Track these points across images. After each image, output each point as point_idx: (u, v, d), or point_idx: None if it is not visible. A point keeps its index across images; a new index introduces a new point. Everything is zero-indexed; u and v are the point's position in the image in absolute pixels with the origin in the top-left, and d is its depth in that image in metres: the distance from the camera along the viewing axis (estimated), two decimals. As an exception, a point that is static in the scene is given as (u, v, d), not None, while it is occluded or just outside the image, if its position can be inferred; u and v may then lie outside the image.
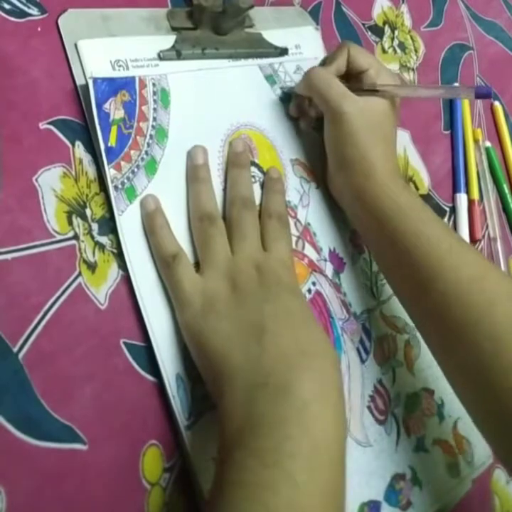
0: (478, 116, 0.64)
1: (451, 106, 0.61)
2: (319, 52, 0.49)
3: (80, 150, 0.35)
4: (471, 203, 0.58)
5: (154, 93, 0.38)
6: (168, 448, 0.32)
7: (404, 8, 0.62)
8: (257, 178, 0.41)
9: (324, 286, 0.42)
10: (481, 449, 0.46)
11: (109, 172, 0.34)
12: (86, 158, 0.35)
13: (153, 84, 0.38)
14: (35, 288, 0.31)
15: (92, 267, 0.33)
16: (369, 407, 0.41)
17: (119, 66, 0.37)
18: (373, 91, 0.41)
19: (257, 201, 0.40)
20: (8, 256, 0.30)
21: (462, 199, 0.57)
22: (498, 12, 0.74)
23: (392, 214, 0.38)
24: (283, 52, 0.46)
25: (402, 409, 0.43)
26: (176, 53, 0.40)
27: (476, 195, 0.58)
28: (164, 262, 0.34)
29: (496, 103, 0.67)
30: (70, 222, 0.33)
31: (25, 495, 0.27)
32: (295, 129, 0.45)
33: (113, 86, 0.36)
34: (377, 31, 0.58)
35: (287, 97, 0.45)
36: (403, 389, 0.43)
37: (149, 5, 0.41)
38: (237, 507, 0.26)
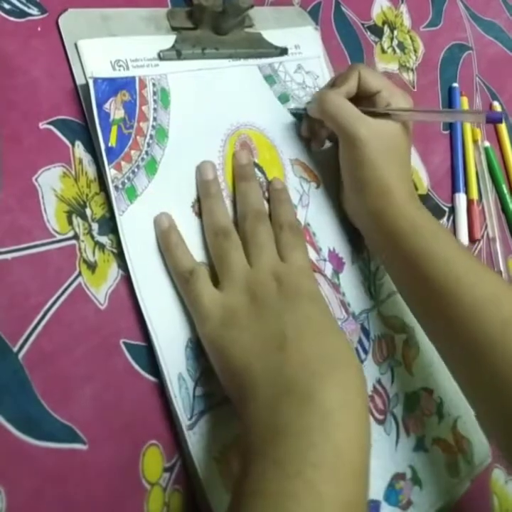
0: (477, 116, 0.64)
1: (450, 105, 0.61)
2: (319, 52, 0.49)
3: (79, 150, 0.35)
4: (470, 203, 0.58)
5: (154, 93, 0.38)
6: (168, 448, 0.32)
7: (403, 8, 0.62)
8: (258, 178, 0.41)
9: (323, 286, 0.42)
10: (480, 449, 0.46)
11: (110, 172, 0.34)
12: (86, 158, 0.35)
13: (153, 84, 0.38)
14: (35, 288, 0.31)
15: (92, 266, 0.33)
16: (368, 407, 0.41)
17: (120, 66, 0.37)
18: (386, 114, 0.40)
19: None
20: (8, 256, 0.30)
21: (461, 199, 0.57)
22: (498, 12, 0.74)
23: (409, 236, 0.39)
24: (283, 52, 0.46)
25: (402, 408, 0.43)
26: (176, 53, 0.40)
27: (475, 195, 0.58)
28: (182, 278, 0.34)
29: (495, 103, 0.67)
30: (70, 222, 0.33)
31: (25, 495, 0.27)
32: (295, 129, 0.45)
33: (113, 86, 0.36)
34: (377, 31, 0.58)
35: (298, 118, 0.45)
36: (402, 388, 0.44)
37: (149, 5, 0.41)
38: None
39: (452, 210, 0.57)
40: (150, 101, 0.37)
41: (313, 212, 0.43)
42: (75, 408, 0.30)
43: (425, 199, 0.54)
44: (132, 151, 0.35)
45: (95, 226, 0.34)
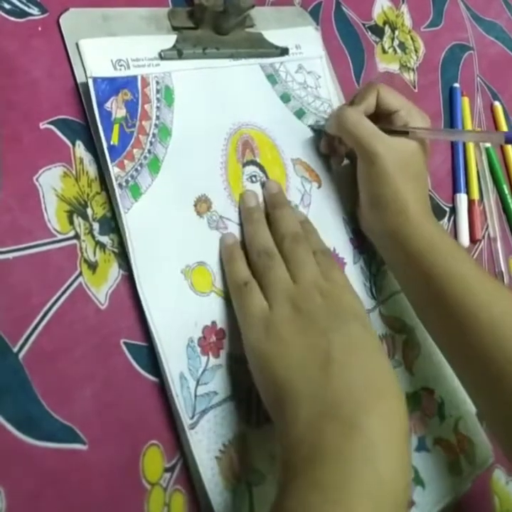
0: (478, 115, 0.64)
1: (451, 105, 0.62)
2: (320, 53, 0.49)
3: (80, 149, 0.35)
4: (471, 203, 0.58)
5: (158, 91, 0.38)
6: (169, 448, 0.32)
7: (404, 8, 0.62)
8: (258, 178, 0.41)
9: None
10: (482, 449, 0.46)
11: (113, 170, 0.34)
12: (86, 157, 0.35)
13: (157, 82, 0.38)
14: (36, 288, 0.30)
15: (92, 266, 0.33)
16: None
17: (121, 66, 0.37)
18: (404, 133, 0.41)
19: (260, 199, 0.41)
20: (10, 255, 0.30)
21: (462, 199, 0.57)
22: (499, 12, 0.74)
23: (426, 253, 0.39)
24: (284, 52, 0.46)
25: (403, 409, 0.43)
26: (177, 53, 0.40)
27: (476, 195, 0.58)
28: (237, 287, 0.36)
29: (496, 103, 0.67)
30: (71, 222, 0.33)
31: (25, 495, 0.27)
32: (296, 128, 0.45)
33: (114, 85, 0.36)
34: (378, 31, 0.58)
35: (318, 134, 0.46)
36: (403, 388, 0.43)
37: (150, 4, 0.41)
38: None
39: (453, 210, 0.57)
40: (153, 99, 0.37)
41: (314, 212, 0.43)
42: (75, 408, 0.30)
43: (426, 199, 0.54)
44: (135, 150, 0.35)
45: (96, 226, 0.34)
